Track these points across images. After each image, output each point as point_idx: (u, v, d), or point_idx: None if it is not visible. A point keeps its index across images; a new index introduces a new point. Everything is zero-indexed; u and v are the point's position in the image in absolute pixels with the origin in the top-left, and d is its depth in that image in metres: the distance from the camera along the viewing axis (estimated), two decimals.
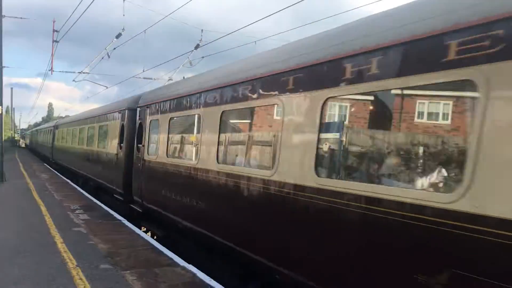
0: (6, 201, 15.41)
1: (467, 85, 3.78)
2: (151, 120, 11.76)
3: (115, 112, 15.89)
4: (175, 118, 10.29)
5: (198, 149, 8.53)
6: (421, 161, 4.52)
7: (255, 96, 6.76)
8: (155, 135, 11.35)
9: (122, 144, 14.32)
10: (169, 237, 10.62)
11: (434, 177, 4.19)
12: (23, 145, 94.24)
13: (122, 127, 14.53)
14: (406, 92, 4.61)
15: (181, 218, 9.27)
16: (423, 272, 3.91)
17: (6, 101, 59.43)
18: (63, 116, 64.48)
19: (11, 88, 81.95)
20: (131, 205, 12.98)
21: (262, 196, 6.31)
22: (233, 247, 7.08)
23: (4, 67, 21.68)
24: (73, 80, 26.53)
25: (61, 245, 9.10)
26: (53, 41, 22.42)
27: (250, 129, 7.83)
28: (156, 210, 10.85)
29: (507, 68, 3.42)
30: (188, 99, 9.33)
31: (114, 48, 21.93)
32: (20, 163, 37.09)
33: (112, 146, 15.59)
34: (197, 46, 20.98)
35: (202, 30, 20.61)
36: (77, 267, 7.61)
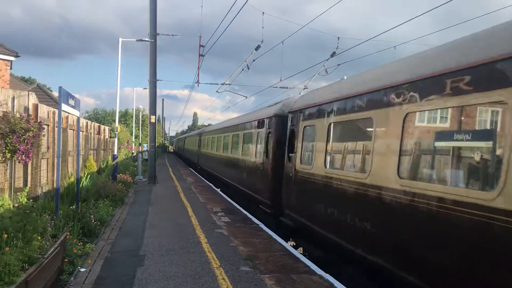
0: (158, 202, 17.02)
1: None
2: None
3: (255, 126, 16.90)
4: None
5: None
6: None
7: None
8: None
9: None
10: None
11: None
12: (172, 150, 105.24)
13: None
14: None
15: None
16: None
17: (158, 111, 66.96)
18: (206, 124, 75.69)
19: (163, 100, 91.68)
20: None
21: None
22: None
23: (158, 80, 24.17)
24: (216, 91, 28.39)
25: (205, 245, 9.74)
26: (200, 55, 24.22)
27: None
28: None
29: None
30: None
31: (254, 60, 22.96)
32: (169, 167, 40.77)
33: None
34: (333, 54, 20.93)
35: (338, 38, 20.51)
36: (220, 267, 8.06)
